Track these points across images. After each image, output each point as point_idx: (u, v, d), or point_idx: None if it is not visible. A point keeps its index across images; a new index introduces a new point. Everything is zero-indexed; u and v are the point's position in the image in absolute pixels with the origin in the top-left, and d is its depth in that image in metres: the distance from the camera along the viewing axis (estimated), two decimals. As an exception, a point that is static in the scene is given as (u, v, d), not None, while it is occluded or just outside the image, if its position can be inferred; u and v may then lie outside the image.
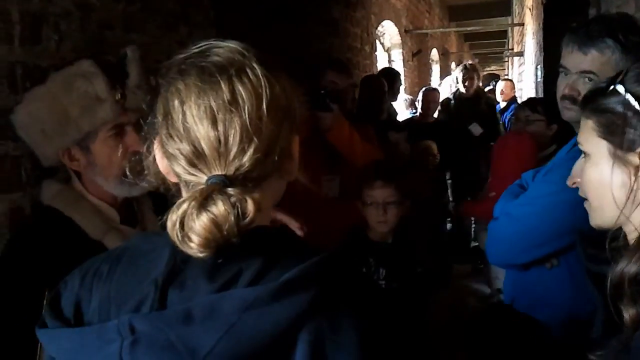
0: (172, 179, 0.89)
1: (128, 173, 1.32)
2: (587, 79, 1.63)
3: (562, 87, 1.70)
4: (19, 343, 0.94)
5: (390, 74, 5.16)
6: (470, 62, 6.37)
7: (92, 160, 1.45)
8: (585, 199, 1.15)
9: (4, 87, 1.70)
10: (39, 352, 1.22)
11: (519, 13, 11.33)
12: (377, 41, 7.81)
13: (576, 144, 1.78)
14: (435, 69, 13.13)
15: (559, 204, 1.62)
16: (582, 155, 1.15)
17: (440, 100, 6.07)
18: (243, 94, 0.80)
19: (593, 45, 1.60)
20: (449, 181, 5.58)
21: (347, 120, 2.82)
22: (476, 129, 5.15)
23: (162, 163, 0.88)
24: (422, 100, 5.62)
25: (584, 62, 1.63)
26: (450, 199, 5.59)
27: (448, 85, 7.63)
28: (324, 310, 0.78)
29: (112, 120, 1.43)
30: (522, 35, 10.61)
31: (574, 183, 1.19)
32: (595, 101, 1.09)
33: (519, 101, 7.78)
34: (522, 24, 10.03)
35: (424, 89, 5.92)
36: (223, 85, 0.80)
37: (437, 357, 1.55)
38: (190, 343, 0.74)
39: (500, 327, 1.61)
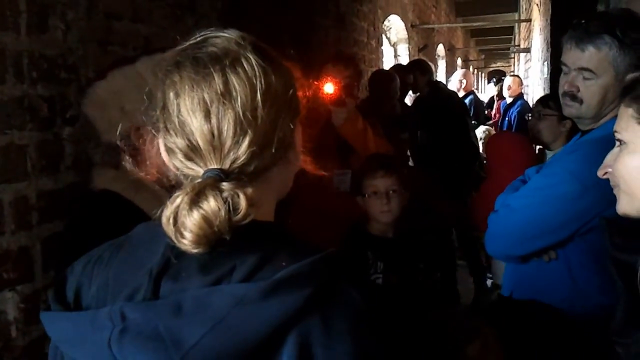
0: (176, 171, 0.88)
1: None
2: (584, 76, 1.64)
3: (562, 83, 1.71)
4: None
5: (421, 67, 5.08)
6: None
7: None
8: (616, 186, 1.15)
9: (10, 76, 1.69)
10: None
11: (526, 9, 11.29)
12: (384, 36, 7.79)
13: (578, 138, 1.79)
14: (442, 64, 13.09)
15: (556, 197, 1.63)
16: (617, 144, 1.15)
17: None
18: (236, 85, 0.79)
19: (590, 42, 1.62)
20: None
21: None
22: None
23: (165, 157, 0.87)
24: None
25: (582, 59, 1.64)
26: None
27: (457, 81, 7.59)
28: (317, 312, 0.76)
29: None
30: (529, 31, 10.58)
31: (605, 173, 1.19)
32: (635, 89, 1.10)
33: (525, 97, 7.78)
34: (530, 20, 10.00)
35: None
36: (216, 77, 0.79)
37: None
38: (176, 335, 0.73)
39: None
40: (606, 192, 1.46)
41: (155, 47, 2.27)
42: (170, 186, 1.51)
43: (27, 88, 1.75)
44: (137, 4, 2.32)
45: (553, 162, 1.83)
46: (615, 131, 1.15)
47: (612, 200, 1.32)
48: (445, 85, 6.50)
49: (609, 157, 1.19)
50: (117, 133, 1.48)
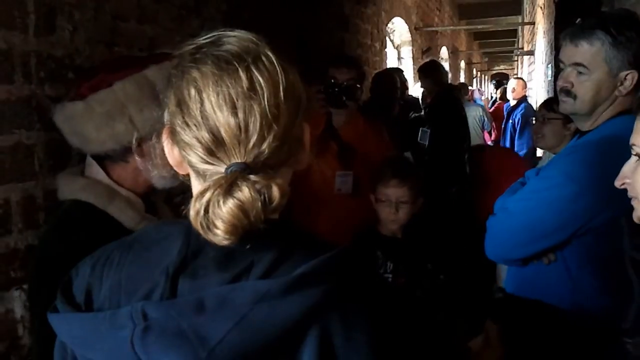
0: (182, 170, 0.88)
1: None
2: (578, 72, 1.65)
3: (558, 79, 1.73)
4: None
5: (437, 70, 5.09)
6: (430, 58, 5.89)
7: (157, 149, 1.39)
8: (634, 198, 1.17)
9: (18, 76, 1.70)
10: None
11: (529, 12, 11.30)
12: (387, 38, 7.80)
13: (575, 141, 1.80)
14: (445, 67, 13.10)
15: (553, 199, 1.63)
16: (634, 155, 1.16)
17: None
18: (261, 81, 0.80)
19: (583, 37, 1.63)
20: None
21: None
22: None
23: (171, 153, 0.88)
24: (421, 99, 5.57)
25: (576, 54, 1.66)
26: None
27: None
28: (336, 306, 0.78)
29: None
30: (532, 34, 10.58)
31: (623, 184, 1.20)
32: None
33: (529, 100, 7.78)
34: (533, 23, 10.00)
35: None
36: (241, 73, 0.80)
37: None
38: (201, 332, 0.74)
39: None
40: (603, 194, 1.47)
41: (162, 49, 2.29)
42: (143, 193, 1.51)
43: (34, 88, 1.76)
44: (143, 6, 2.33)
45: (551, 164, 1.83)
46: (634, 144, 1.15)
47: (609, 202, 1.33)
48: (458, 90, 6.39)
49: (626, 168, 1.19)
50: (119, 144, 1.44)
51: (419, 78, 5.16)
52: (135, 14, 2.28)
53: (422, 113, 5.53)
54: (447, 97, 5.11)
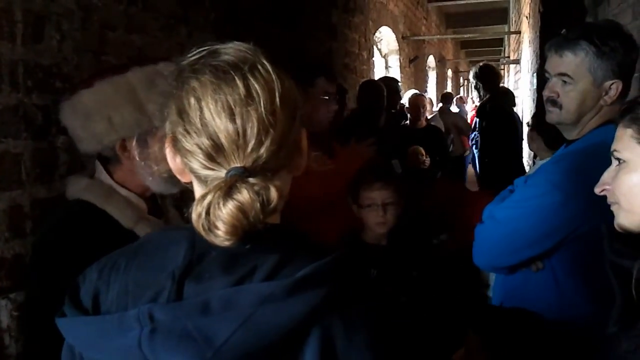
0: (184, 178, 0.91)
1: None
2: (563, 82, 1.67)
3: (544, 90, 1.75)
4: (53, 333, 0.95)
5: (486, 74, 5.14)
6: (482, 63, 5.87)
7: (146, 153, 1.48)
8: (614, 203, 1.19)
9: (6, 85, 1.70)
10: None
11: (515, 21, 11.40)
12: (375, 47, 7.85)
13: (563, 149, 1.82)
14: (432, 75, 13.19)
15: (542, 207, 1.64)
16: (616, 162, 1.18)
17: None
18: (257, 88, 0.83)
19: (567, 48, 1.66)
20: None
21: (339, 124, 2.87)
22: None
23: (173, 162, 0.91)
24: (410, 107, 5.59)
25: (561, 65, 1.68)
26: None
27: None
28: (337, 308, 0.81)
29: None
30: (518, 43, 10.68)
31: (603, 190, 1.22)
32: (634, 111, 1.13)
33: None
34: (519, 32, 10.09)
35: (410, 95, 5.88)
36: (238, 81, 0.83)
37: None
38: (207, 333, 0.77)
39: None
40: (589, 202, 1.49)
41: (147, 57, 2.29)
42: (148, 194, 1.53)
43: (22, 97, 1.76)
44: (131, 15, 2.34)
45: (538, 173, 1.84)
46: (615, 150, 1.17)
47: (596, 210, 1.34)
48: (507, 94, 6.27)
49: (606, 175, 1.22)
50: (101, 144, 1.48)
51: (476, 85, 5.15)
52: (123, 23, 2.28)
53: (408, 122, 5.59)
54: (504, 102, 5.22)
